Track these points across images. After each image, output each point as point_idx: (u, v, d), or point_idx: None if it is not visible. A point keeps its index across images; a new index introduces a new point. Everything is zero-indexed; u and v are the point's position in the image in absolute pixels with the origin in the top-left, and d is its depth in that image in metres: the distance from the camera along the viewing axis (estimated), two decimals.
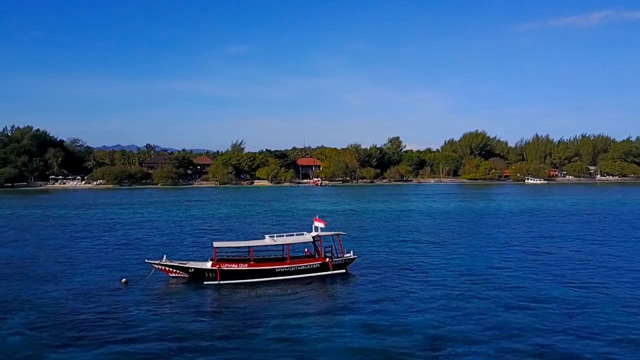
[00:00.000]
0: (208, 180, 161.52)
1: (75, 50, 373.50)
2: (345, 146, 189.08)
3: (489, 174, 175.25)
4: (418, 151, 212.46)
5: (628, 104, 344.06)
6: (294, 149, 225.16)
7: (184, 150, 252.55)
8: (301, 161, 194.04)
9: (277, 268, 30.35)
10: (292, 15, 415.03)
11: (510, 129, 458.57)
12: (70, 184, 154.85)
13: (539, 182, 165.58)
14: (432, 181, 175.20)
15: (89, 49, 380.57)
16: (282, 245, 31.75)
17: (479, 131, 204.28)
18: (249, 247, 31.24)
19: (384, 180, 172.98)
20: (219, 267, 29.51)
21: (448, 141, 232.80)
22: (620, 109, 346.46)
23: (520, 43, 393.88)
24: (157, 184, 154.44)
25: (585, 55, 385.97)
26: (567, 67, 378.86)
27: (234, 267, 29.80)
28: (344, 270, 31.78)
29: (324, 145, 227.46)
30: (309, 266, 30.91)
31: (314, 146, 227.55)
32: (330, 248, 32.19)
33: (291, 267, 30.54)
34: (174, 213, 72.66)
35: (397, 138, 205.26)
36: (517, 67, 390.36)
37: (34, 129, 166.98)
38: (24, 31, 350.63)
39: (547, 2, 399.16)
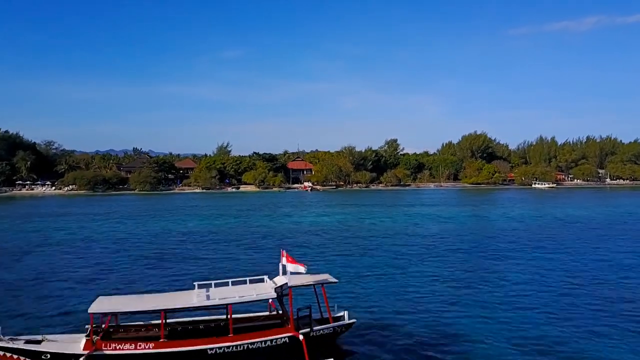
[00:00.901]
0: (190, 186, 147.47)
1: (67, 54, 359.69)
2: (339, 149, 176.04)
3: (492, 177, 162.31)
4: (415, 154, 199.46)
5: (622, 106, 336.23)
6: (286, 152, 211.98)
7: (170, 153, 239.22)
8: (292, 165, 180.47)
9: (211, 349, 16.75)
10: (287, 20, 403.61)
11: (506, 133, 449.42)
12: (39, 189, 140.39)
13: (547, 186, 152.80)
14: (432, 186, 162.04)
15: (83, 53, 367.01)
16: (222, 304, 18.10)
17: (479, 132, 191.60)
18: (158, 309, 17.44)
19: (380, 185, 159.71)
20: (99, 349, 15.96)
21: (446, 144, 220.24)
22: (614, 111, 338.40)
23: (514, 47, 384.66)
24: (134, 190, 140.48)
25: (578, 59, 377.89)
26: (560, 71, 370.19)
27: (129, 349, 16.17)
28: (332, 344, 18.33)
29: (319, 150, 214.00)
30: (268, 343, 17.29)
31: (308, 150, 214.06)
32: (308, 309, 18.57)
33: (236, 347, 16.96)
34: (125, 227, 58.75)
35: (395, 140, 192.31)
36: (512, 71, 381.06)
37: (2, 130, 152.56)
38: (18, 35, 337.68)
39: (540, 7, 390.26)
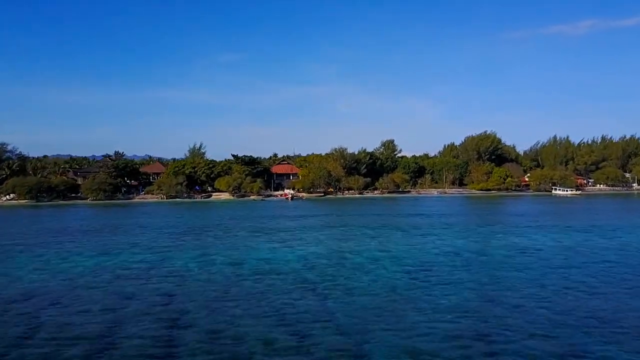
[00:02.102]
0: (154, 194, 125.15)
1: (63, 59, 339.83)
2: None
3: (504, 182, 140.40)
4: (415, 157, 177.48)
5: (619, 108, 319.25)
6: (275, 155, 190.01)
7: (149, 157, 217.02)
8: (277, 169, 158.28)
9: None
10: (282, 25, 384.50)
11: (503, 136, 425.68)
12: None
13: (569, 192, 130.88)
14: (435, 192, 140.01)
15: (78, 58, 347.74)
16: None
17: (487, 132, 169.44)
18: None
19: (375, 192, 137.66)
20: None
21: (448, 145, 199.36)
22: (611, 114, 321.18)
23: (508, 51, 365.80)
24: (87, 198, 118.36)
25: (574, 63, 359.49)
26: (556, 74, 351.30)
27: None
28: None
29: (314, 154, 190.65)
30: None
31: (304, 154, 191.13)
32: None
33: None
34: None
35: (392, 141, 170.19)
36: (507, 74, 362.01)
37: None
38: (13, 40, 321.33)
39: (534, 11, 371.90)
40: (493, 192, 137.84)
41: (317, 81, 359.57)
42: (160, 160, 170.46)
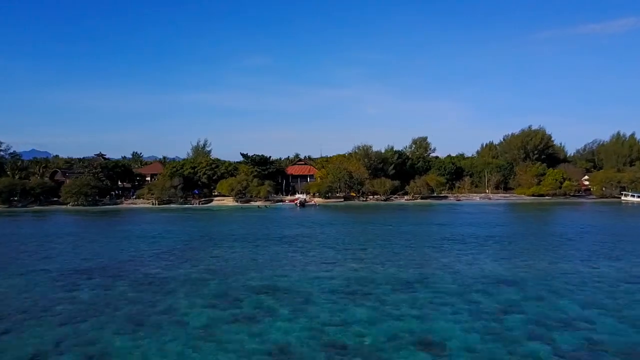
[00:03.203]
0: (145, 198, 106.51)
1: (95, 64, 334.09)
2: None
3: (560, 186, 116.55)
4: (451, 157, 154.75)
5: None
6: (297, 156, 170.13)
7: (162, 157, 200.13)
8: (293, 170, 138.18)
9: None
10: (309, 28, 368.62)
11: None
12: None
13: None
14: (477, 198, 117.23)
15: (112, 63, 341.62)
16: None
17: (533, 127, 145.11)
18: None
19: (405, 197, 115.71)
20: None
21: (486, 145, 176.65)
22: None
23: (538, 51, 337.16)
24: (67, 204, 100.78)
25: (606, 63, 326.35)
26: (588, 75, 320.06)
27: None
28: None
29: (339, 154, 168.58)
30: None
31: (331, 156, 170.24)
32: None
33: None
34: None
35: (424, 139, 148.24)
36: (536, 76, 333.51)
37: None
38: (46, 45, 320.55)
39: (564, 11, 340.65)
40: (547, 197, 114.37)
41: (343, 83, 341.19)
42: (164, 160, 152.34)
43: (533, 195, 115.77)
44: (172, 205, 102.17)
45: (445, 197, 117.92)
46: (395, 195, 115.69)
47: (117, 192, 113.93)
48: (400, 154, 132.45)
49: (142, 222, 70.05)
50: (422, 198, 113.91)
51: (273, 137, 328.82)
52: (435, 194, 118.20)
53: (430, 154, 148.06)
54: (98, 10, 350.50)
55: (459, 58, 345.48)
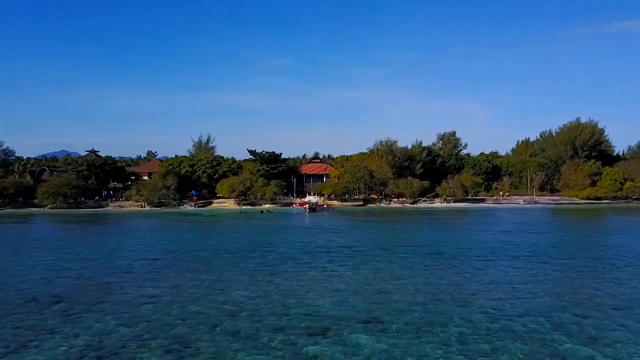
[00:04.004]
0: (133, 199, 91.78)
1: (120, 66, 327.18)
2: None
3: (621, 189, 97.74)
4: (484, 154, 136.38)
5: None
6: (316, 155, 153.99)
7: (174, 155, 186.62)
8: (307, 168, 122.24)
9: None
10: (334, 29, 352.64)
11: None
12: None
13: None
14: (521, 201, 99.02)
15: (137, 64, 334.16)
16: None
17: (582, 121, 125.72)
18: None
19: (435, 200, 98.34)
20: None
21: (522, 142, 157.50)
22: None
23: (568, 50, 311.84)
24: (45, 206, 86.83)
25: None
26: (620, 74, 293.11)
27: None
28: None
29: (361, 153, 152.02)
30: None
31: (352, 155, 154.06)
32: None
33: None
34: None
35: (453, 134, 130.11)
36: (565, 76, 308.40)
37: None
38: (82, 48, 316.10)
39: (596, 7, 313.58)
40: (605, 201, 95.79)
41: (365, 84, 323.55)
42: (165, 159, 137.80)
43: (588, 199, 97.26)
44: (164, 209, 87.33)
45: (483, 200, 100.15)
46: (424, 198, 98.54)
47: (108, 192, 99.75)
48: (429, 150, 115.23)
49: (113, 230, 54.90)
50: (455, 201, 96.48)
51: (292, 137, 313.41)
52: (469, 197, 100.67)
53: (461, 151, 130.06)
54: (123, 12, 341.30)
55: (482, 58, 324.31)
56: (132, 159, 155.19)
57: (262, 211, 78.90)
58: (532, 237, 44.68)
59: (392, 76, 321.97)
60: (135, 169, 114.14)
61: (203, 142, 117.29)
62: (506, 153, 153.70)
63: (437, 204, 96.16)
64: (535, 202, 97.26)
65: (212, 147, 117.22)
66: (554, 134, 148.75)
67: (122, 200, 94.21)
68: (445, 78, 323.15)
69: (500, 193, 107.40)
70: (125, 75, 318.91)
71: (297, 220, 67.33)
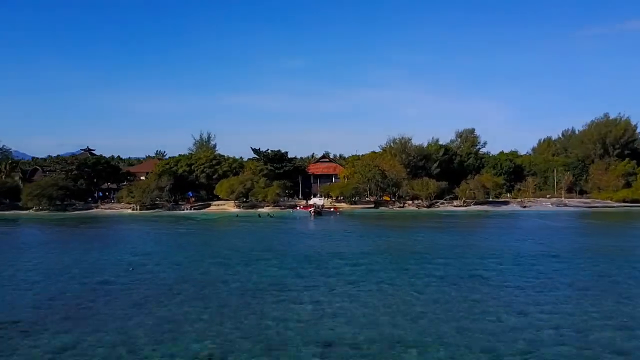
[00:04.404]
0: (125, 201, 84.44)
1: (139, 68, 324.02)
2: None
3: None
4: (503, 153, 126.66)
5: None
6: (327, 154, 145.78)
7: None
8: (315, 168, 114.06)
9: None
10: (349, 29, 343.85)
11: None
12: None
13: None
14: (549, 204, 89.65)
15: (154, 66, 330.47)
16: None
17: (612, 117, 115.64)
18: None
19: (454, 203, 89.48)
20: None
21: (544, 140, 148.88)
22: None
23: (584, 50, 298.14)
24: (30, 208, 79.97)
25: None
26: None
27: None
28: None
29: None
30: None
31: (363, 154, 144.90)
32: None
33: None
34: None
35: (472, 131, 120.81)
36: (582, 76, 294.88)
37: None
38: (97, 49, 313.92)
39: (614, 5, 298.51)
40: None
41: (383, 85, 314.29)
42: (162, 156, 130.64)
43: (624, 201, 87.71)
44: (157, 211, 79.92)
45: (506, 203, 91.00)
46: (442, 201, 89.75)
47: (102, 193, 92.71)
48: (446, 148, 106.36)
49: (90, 237, 47.35)
50: (476, 203, 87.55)
51: (303, 139, 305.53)
52: (491, 199, 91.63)
53: (480, 150, 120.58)
54: (138, 14, 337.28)
55: (500, 57, 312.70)
56: (138, 159, 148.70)
57: (259, 215, 70.67)
58: (590, 261, 35.45)
59: (408, 76, 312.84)
60: (133, 168, 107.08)
61: (204, 140, 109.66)
62: (527, 152, 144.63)
63: (456, 206, 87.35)
64: (565, 205, 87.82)
65: (214, 146, 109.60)
66: (576, 132, 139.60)
67: (113, 202, 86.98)
68: (461, 78, 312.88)
69: (524, 195, 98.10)
70: (136, 77, 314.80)
71: (299, 226, 59.17)
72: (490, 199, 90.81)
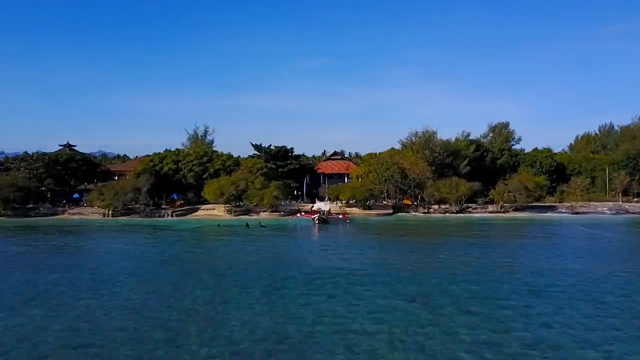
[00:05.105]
0: (97, 205, 70.59)
1: (155, 69, 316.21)
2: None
3: None
4: (536, 150, 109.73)
5: None
6: (341, 152, 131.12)
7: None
8: (323, 167, 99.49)
9: None
10: (366, 28, 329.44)
11: None
12: None
13: None
14: (606, 210, 72.92)
15: (169, 66, 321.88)
16: None
17: None
18: None
19: (489, 209, 73.72)
20: None
21: (583, 136, 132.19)
22: None
23: (607, 48, 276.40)
24: None
25: None
26: None
27: None
28: None
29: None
30: None
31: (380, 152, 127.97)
32: None
33: None
34: None
35: (506, 125, 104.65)
36: (605, 74, 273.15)
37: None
38: (118, 52, 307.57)
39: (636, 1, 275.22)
40: None
41: (399, 84, 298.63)
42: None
43: None
44: (133, 217, 66.04)
45: (552, 208, 74.88)
46: (474, 205, 74.18)
47: (78, 195, 79.32)
48: (478, 144, 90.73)
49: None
50: (516, 209, 71.72)
51: (317, 138, 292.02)
52: (531, 202, 75.57)
53: (512, 145, 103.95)
54: (150, 15, 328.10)
55: (519, 56, 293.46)
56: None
57: (247, 224, 55.61)
58: None
59: (426, 75, 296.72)
60: (117, 167, 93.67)
61: (199, 134, 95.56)
62: (562, 150, 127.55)
63: (491, 212, 71.69)
64: (626, 211, 71.32)
65: (210, 142, 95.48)
66: (615, 127, 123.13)
67: (84, 206, 73.42)
68: (480, 77, 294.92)
69: (572, 198, 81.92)
70: (151, 78, 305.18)
71: (296, 240, 44.49)
72: (533, 203, 74.86)
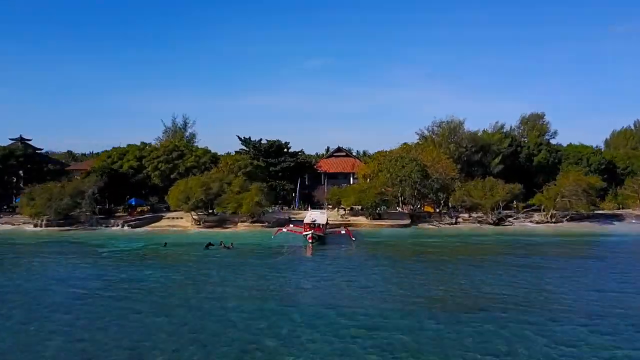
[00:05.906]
0: (25, 213, 54.30)
1: (158, 70, 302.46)
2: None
3: None
4: (571, 145, 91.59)
5: None
6: (349, 151, 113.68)
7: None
8: (325, 164, 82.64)
9: None
10: (369, 29, 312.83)
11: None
12: None
13: None
14: None
15: (170, 67, 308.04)
16: None
17: None
18: None
19: (535, 219, 56.53)
20: None
21: (620, 131, 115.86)
22: None
23: (617, 47, 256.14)
24: None
25: None
26: None
27: None
28: None
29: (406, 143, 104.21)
30: None
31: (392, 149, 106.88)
32: None
33: None
34: None
35: (542, 116, 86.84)
36: (615, 74, 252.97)
37: None
38: (122, 51, 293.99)
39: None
40: None
41: (404, 84, 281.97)
42: None
43: None
44: (74, 229, 49.79)
45: (619, 217, 57.54)
46: (518, 215, 56.97)
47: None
48: (513, 138, 73.57)
49: None
50: (571, 219, 54.51)
51: (319, 137, 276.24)
52: (593, 210, 58.22)
53: (547, 139, 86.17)
54: (155, 16, 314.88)
55: (524, 56, 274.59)
56: None
57: (207, 246, 38.42)
58: None
59: (430, 76, 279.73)
60: (77, 165, 77.42)
61: (178, 126, 78.95)
62: (596, 146, 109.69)
63: (538, 222, 54.58)
64: None
65: (191, 135, 78.85)
66: None
67: (12, 216, 57.09)
68: (485, 78, 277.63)
69: (629, 200, 64.85)
70: (153, 77, 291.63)
71: (273, 278, 27.87)
72: (593, 212, 57.50)
